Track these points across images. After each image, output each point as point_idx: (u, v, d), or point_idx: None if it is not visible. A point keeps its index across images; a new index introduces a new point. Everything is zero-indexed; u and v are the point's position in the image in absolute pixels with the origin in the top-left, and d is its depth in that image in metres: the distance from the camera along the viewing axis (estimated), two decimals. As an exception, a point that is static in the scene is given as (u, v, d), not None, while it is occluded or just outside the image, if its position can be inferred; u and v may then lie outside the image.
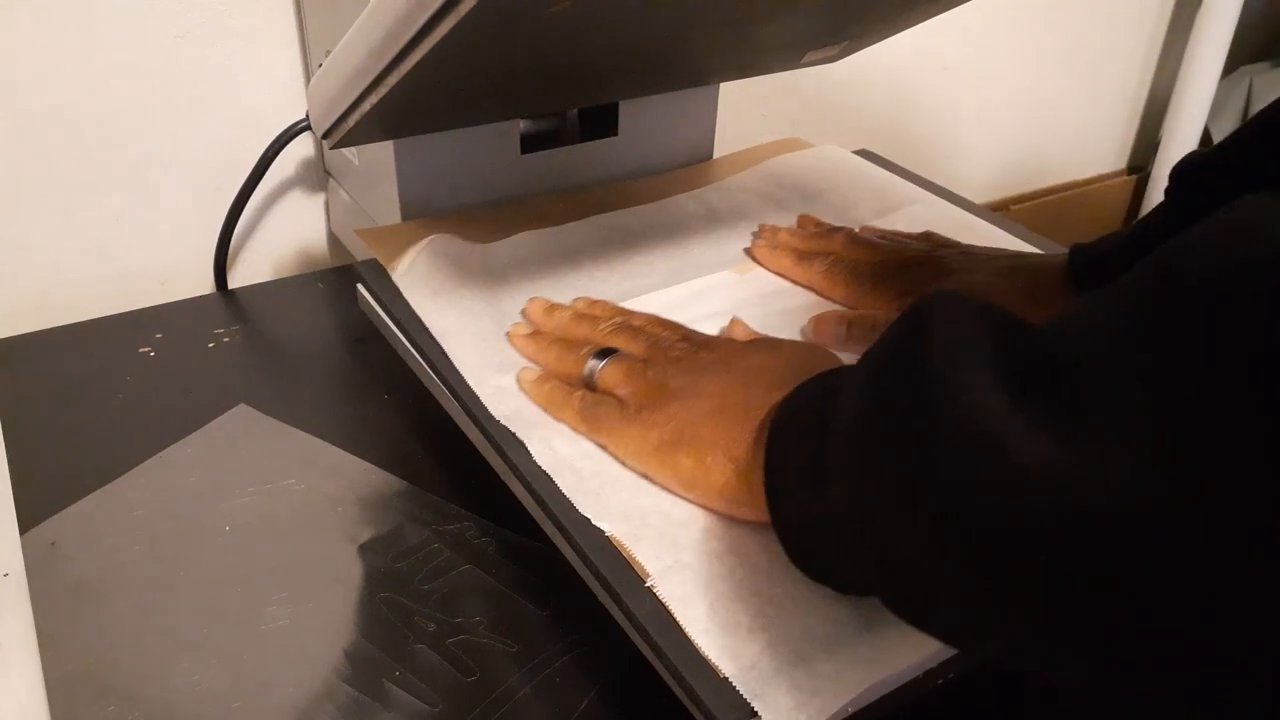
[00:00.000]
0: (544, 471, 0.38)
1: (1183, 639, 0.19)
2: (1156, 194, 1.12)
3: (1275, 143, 0.40)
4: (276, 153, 0.63)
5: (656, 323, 0.43)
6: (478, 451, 0.43)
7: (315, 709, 0.36)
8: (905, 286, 0.48)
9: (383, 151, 0.53)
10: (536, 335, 0.44)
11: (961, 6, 0.56)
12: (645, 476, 0.37)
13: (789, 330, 0.47)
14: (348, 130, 0.45)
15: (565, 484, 0.37)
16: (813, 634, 0.32)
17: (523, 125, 0.56)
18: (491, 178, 0.56)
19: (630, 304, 0.49)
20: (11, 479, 0.45)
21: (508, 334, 0.45)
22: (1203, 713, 0.20)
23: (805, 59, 0.58)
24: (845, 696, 0.30)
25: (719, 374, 0.37)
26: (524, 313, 0.47)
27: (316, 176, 0.69)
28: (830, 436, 0.27)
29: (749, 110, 0.87)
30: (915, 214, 0.59)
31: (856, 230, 0.54)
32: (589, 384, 0.40)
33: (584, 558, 0.35)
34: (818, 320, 0.47)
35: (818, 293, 0.51)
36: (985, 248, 0.51)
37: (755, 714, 0.29)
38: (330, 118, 0.45)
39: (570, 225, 0.55)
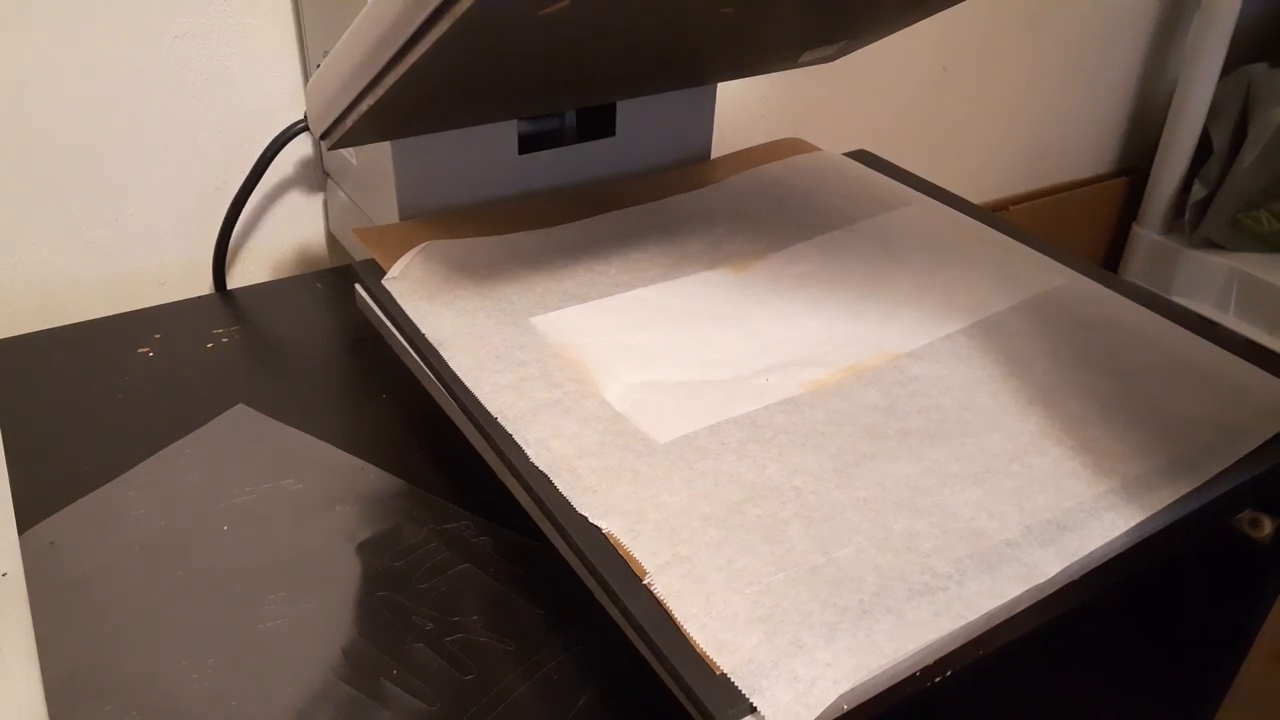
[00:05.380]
0: (541, 471, 0.38)
1: None
2: (1155, 194, 1.12)
3: None
4: (275, 153, 0.63)
5: None
6: (475, 451, 0.43)
7: (313, 708, 0.36)
8: None
9: (380, 152, 0.53)
10: None
11: (959, 6, 0.56)
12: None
13: (787, 330, 0.47)
14: (345, 131, 0.45)
15: (563, 484, 0.37)
16: (812, 621, 0.32)
17: (520, 126, 0.56)
18: (489, 178, 0.56)
19: (627, 298, 0.49)
20: (10, 478, 0.45)
21: None
22: None
23: (803, 58, 0.58)
24: (845, 684, 0.30)
25: None
26: None
27: (315, 177, 0.69)
28: None
29: (748, 110, 0.87)
30: (913, 215, 0.59)
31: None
32: None
33: (581, 556, 0.35)
34: None
35: None
36: None
37: (754, 709, 0.29)
38: (328, 118, 0.45)
39: (567, 225, 0.55)
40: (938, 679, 0.32)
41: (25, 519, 0.44)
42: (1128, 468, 0.39)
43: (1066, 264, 0.54)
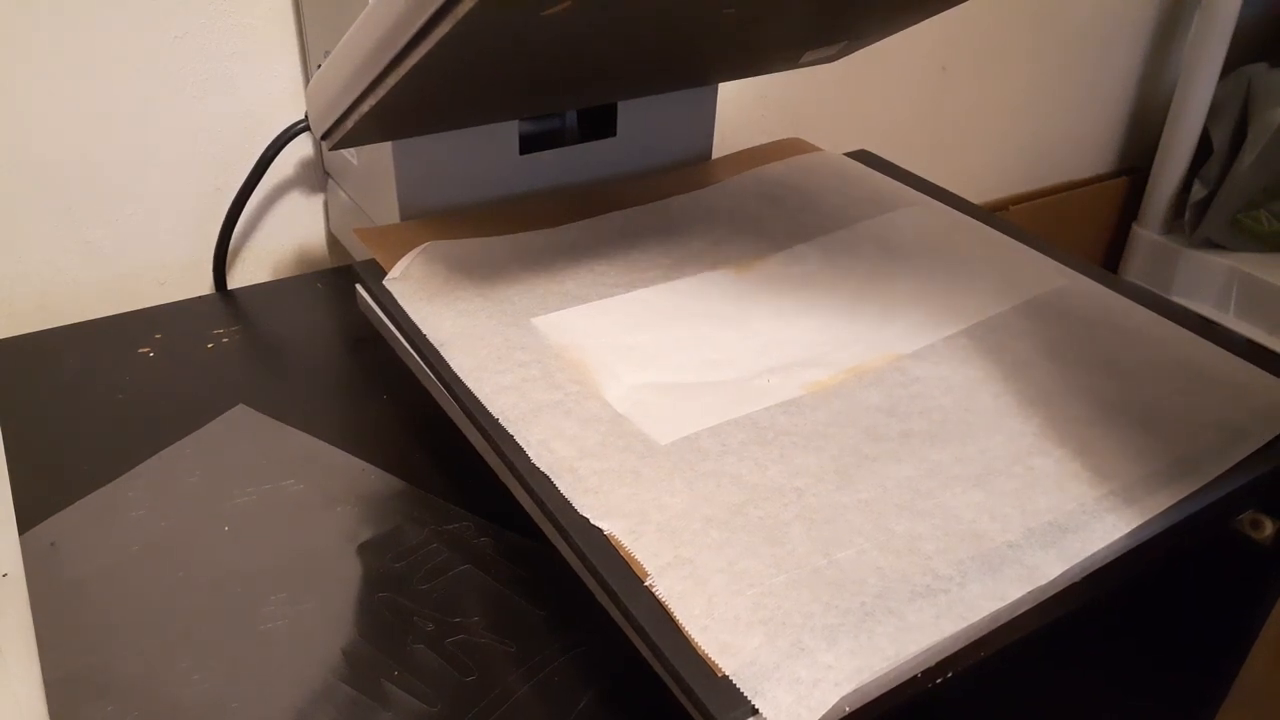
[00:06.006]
0: (543, 472, 0.38)
1: None
2: (1155, 194, 1.12)
3: None
4: (276, 153, 0.63)
5: None
6: (476, 452, 0.43)
7: (314, 709, 0.36)
8: None
9: (381, 152, 0.53)
10: None
11: (960, 6, 0.56)
12: None
13: (789, 330, 0.47)
14: (346, 131, 0.45)
15: (564, 485, 0.37)
16: (813, 623, 0.32)
17: (521, 126, 0.56)
18: (490, 178, 0.56)
19: (628, 298, 0.49)
20: (11, 479, 0.45)
21: None
22: None
23: (804, 59, 0.58)
24: (847, 686, 0.30)
25: None
26: None
27: (316, 177, 0.69)
28: None
29: (749, 110, 0.87)
30: (914, 215, 0.59)
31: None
32: None
33: (582, 558, 0.35)
34: None
35: None
36: None
37: (756, 711, 0.29)
38: (329, 119, 0.45)
39: (568, 225, 0.55)
40: (939, 681, 0.32)
41: (26, 519, 0.44)
42: (1129, 470, 0.39)
43: (1067, 264, 0.54)
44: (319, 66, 0.44)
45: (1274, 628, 0.43)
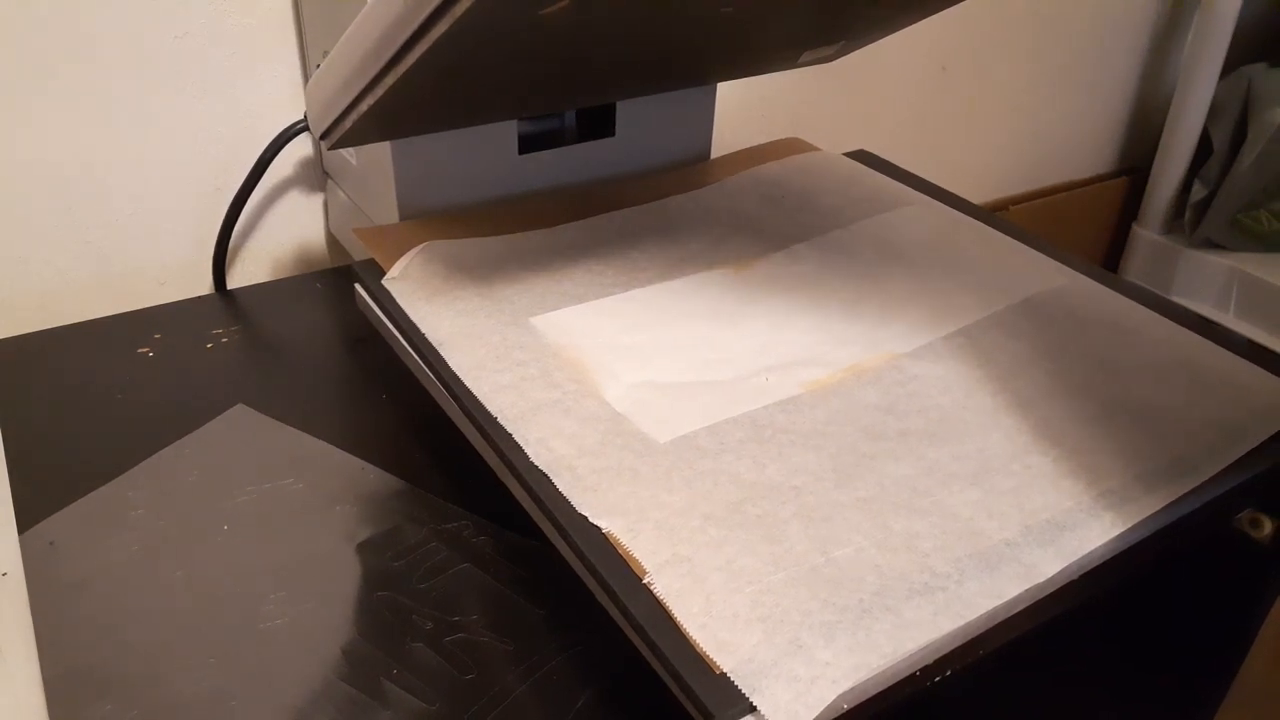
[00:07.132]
0: (541, 471, 0.38)
1: None
2: (1155, 194, 1.12)
3: None
4: (275, 153, 0.63)
5: None
6: (475, 451, 0.43)
7: (313, 707, 0.36)
8: None
9: (380, 152, 0.53)
10: None
11: (960, 6, 0.56)
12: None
13: (787, 330, 0.47)
14: (345, 131, 0.45)
15: (563, 484, 0.37)
16: (811, 621, 0.32)
17: (520, 126, 0.56)
18: (489, 178, 0.56)
19: (626, 298, 0.49)
20: (10, 478, 0.45)
21: None
22: None
23: (802, 58, 0.58)
24: (845, 684, 0.30)
25: None
26: None
27: (315, 177, 0.69)
28: None
29: (748, 110, 0.87)
30: (913, 215, 0.59)
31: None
32: None
33: (581, 556, 0.35)
34: None
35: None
36: None
37: (754, 708, 0.29)
38: (328, 118, 0.45)
39: (567, 225, 0.55)
40: (937, 679, 0.32)
41: (25, 519, 0.44)
42: (1127, 468, 0.39)
43: (1067, 264, 0.54)
44: (318, 66, 0.44)
45: (1273, 627, 0.43)
